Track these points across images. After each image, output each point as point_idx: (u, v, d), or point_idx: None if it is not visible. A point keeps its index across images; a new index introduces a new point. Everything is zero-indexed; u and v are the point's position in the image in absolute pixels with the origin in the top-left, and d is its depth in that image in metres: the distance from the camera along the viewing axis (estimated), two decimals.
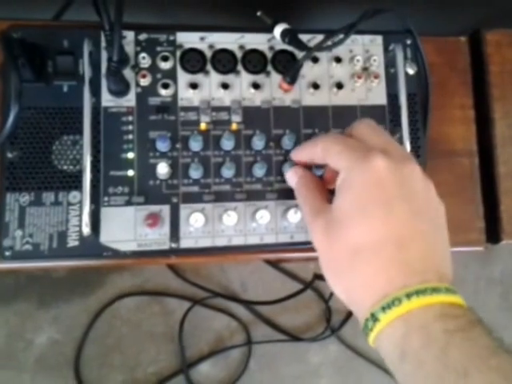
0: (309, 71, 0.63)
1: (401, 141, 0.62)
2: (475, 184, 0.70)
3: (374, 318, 0.44)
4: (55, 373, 1.47)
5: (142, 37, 0.60)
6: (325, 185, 0.55)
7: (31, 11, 0.73)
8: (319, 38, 0.63)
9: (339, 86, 0.62)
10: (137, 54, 0.59)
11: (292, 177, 0.57)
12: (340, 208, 0.48)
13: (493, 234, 0.70)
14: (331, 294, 1.50)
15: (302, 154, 0.56)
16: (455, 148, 0.70)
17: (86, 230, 0.54)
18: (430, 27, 0.68)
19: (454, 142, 0.70)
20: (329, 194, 0.53)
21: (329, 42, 0.60)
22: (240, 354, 1.56)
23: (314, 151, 0.53)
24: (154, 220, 0.55)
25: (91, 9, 0.73)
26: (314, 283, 1.18)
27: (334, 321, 1.58)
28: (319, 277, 0.62)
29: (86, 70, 0.57)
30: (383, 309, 0.43)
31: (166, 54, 0.60)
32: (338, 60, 0.63)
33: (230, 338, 1.56)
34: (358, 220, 0.46)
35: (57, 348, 1.49)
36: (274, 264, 1.60)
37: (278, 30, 0.61)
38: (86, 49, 0.57)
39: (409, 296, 0.42)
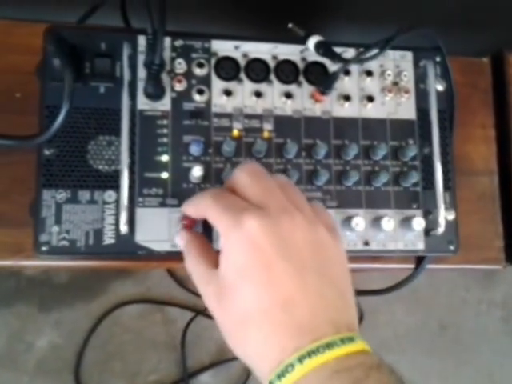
0: (340, 83, 0.64)
1: (431, 156, 0.63)
2: (495, 203, 0.71)
3: None
4: (55, 376, 1.47)
5: (178, 43, 0.61)
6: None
7: (56, 15, 0.74)
8: (349, 51, 0.64)
9: (370, 98, 0.63)
10: (172, 59, 0.60)
11: (179, 242, 0.54)
12: (224, 276, 0.46)
13: None
14: None
15: (190, 208, 0.53)
16: (476, 167, 0.71)
17: (124, 228, 0.54)
18: (452, 47, 0.69)
19: (475, 160, 0.71)
20: (218, 258, 0.50)
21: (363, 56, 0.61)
22: (241, 366, 1.54)
23: (200, 209, 0.51)
24: (189, 221, 0.55)
25: (115, 14, 0.74)
26: None
27: None
28: None
29: (125, 73, 0.57)
30: (278, 377, 0.41)
31: (202, 60, 0.61)
32: (369, 73, 0.64)
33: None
34: (242, 287, 0.45)
35: (57, 352, 1.49)
36: None
37: (312, 41, 0.61)
38: (126, 52, 0.58)
39: (301, 359, 0.40)
